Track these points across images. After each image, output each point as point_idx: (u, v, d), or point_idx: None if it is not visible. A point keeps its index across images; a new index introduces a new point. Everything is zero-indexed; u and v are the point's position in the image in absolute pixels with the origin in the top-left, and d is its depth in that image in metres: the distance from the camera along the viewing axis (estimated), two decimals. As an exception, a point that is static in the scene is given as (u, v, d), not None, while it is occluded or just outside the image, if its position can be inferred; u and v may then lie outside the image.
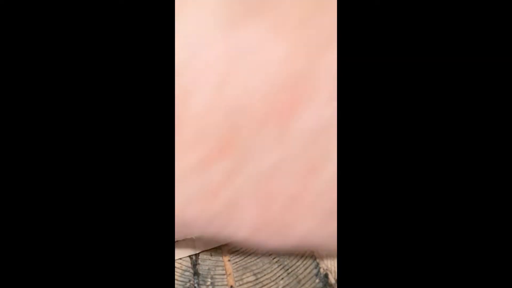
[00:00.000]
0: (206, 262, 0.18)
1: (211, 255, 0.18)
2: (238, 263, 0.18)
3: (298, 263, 0.18)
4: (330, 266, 0.17)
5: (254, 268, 0.17)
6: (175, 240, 0.19)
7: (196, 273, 0.17)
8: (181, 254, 0.18)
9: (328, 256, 0.18)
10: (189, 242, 0.19)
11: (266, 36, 0.15)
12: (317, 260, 0.18)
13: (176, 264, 0.18)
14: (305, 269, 0.17)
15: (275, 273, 0.17)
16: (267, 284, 0.17)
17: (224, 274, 0.17)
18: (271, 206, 0.16)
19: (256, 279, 0.17)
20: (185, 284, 0.17)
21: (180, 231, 0.17)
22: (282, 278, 0.17)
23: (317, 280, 0.17)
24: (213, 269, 0.18)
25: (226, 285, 0.17)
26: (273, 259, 0.18)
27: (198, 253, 0.19)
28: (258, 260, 0.18)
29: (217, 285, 0.17)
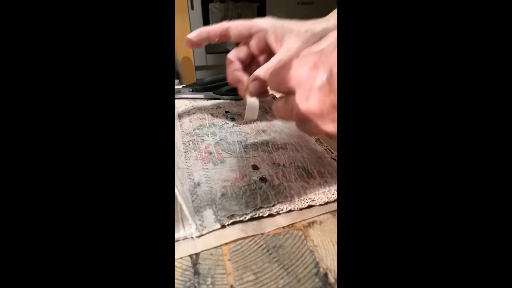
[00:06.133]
0: (206, 262, 0.18)
1: (211, 255, 0.18)
2: (238, 262, 0.18)
3: (297, 263, 0.18)
4: (330, 265, 0.17)
5: (254, 267, 0.18)
6: (175, 240, 0.19)
7: (196, 273, 0.17)
8: (181, 254, 0.18)
9: (327, 255, 0.18)
10: (189, 241, 0.19)
11: None
12: (317, 260, 0.18)
13: (176, 264, 0.18)
14: (305, 268, 0.17)
15: (275, 272, 0.17)
16: (267, 283, 0.17)
17: (224, 274, 0.17)
18: None
19: (256, 278, 0.17)
20: (185, 283, 0.17)
21: None
22: (282, 278, 0.17)
23: (317, 280, 0.17)
24: (213, 268, 0.18)
25: (226, 284, 0.17)
26: (273, 258, 0.18)
27: (199, 253, 0.19)
28: (258, 259, 0.18)
29: (217, 285, 0.17)
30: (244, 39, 0.34)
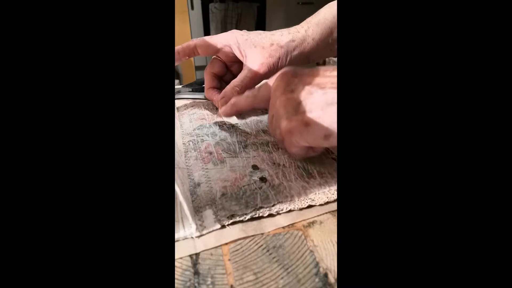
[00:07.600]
0: (206, 262, 0.18)
1: (211, 255, 0.18)
2: (238, 262, 0.18)
3: (297, 263, 0.18)
4: (330, 265, 0.17)
5: (254, 267, 0.18)
6: (175, 240, 0.19)
7: (196, 273, 0.17)
8: (181, 254, 0.18)
9: (328, 255, 0.18)
10: (189, 241, 0.19)
11: None
12: (317, 259, 0.18)
13: (176, 264, 0.18)
14: (305, 268, 0.17)
15: (275, 273, 0.17)
16: (267, 283, 0.17)
17: (224, 274, 0.17)
18: None
19: (256, 278, 0.17)
20: (185, 283, 0.17)
21: None
22: (282, 278, 0.17)
23: (317, 280, 0.17)
24: (213, 268, 0.18)
25: (226, 284, 0.17)
26: (273, 258, 0.18)
27: (199, 253, 0.19)
28: (258, 259, 0.18)
29: (217, 285, 0.17)
30: (212, 54, 0.38)
